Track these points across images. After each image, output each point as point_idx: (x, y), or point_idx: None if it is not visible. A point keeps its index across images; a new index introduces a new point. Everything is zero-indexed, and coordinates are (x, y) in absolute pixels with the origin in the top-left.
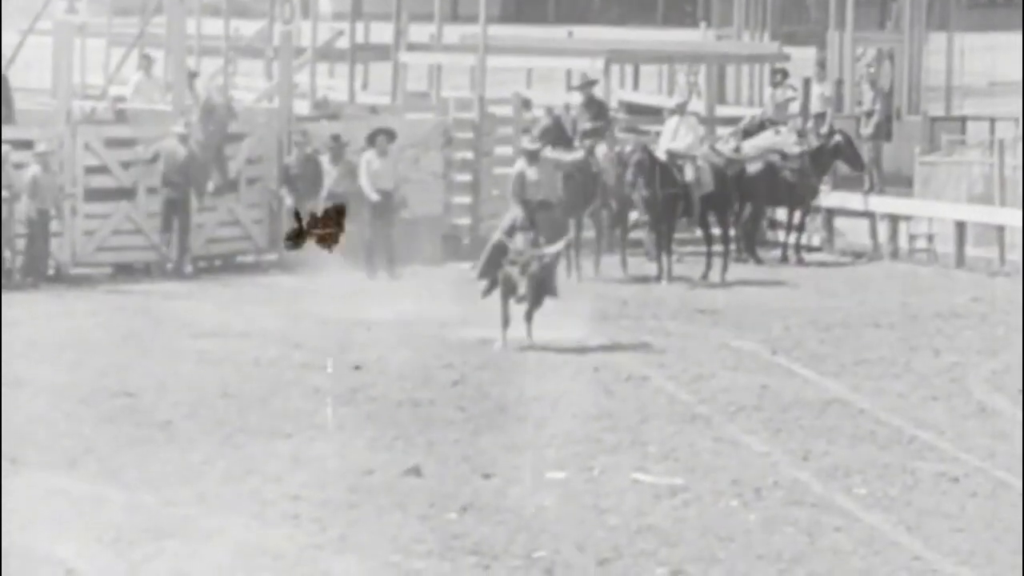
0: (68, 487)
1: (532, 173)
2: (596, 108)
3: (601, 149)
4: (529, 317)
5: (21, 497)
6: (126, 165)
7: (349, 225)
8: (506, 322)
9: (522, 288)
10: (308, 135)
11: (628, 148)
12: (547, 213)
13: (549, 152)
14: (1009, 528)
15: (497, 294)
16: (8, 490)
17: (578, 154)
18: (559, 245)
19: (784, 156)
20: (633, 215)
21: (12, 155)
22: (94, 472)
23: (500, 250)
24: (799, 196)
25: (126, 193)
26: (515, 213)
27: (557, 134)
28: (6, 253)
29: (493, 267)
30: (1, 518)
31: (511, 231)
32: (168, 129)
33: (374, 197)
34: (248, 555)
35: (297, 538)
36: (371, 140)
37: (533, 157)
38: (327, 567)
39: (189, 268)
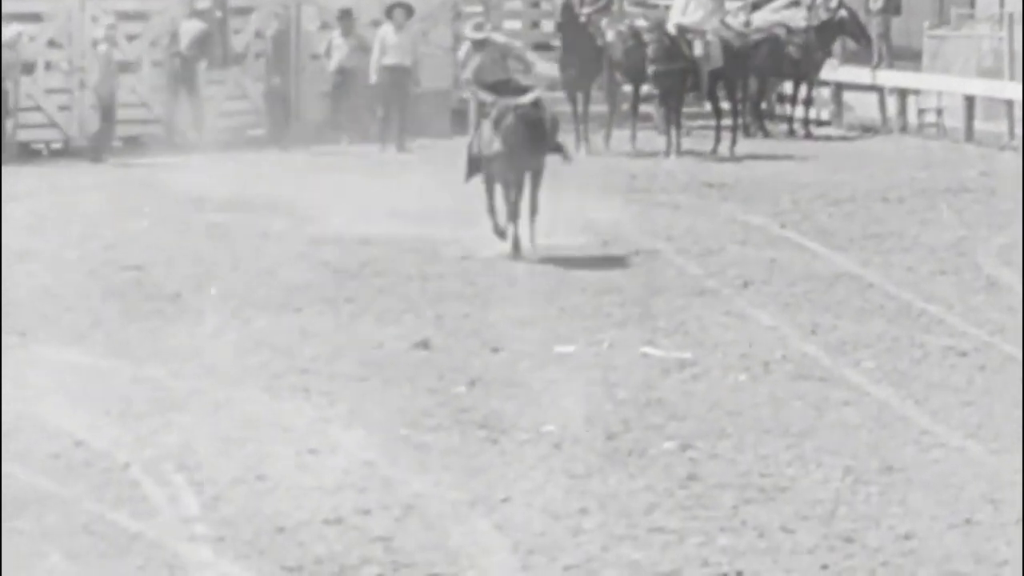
0: (76, 360)
1: (477, 60)
2: None
3: (605, 22)
4: (533, 208)
5: (29, 370)
6: (132, 38)
7: (358, 100)
8: (492, 209)
9: (495, 143)
10: (287, 8)
11: (639, 22)
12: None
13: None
14: (1016, 402)
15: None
16: (16, 363)
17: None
18: (531, 95)
19: (789, 30)
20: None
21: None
22: (102, 346)
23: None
24: (803, 70)
25: (132, 67)
26: (479, 96)
27: (568, 17)
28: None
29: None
30: (1, 391)
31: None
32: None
33: (372, 78)
34: (257, 428)
35: (306, 411)
36: (388, 14)
37: (479, 45)
38: (336, 440)
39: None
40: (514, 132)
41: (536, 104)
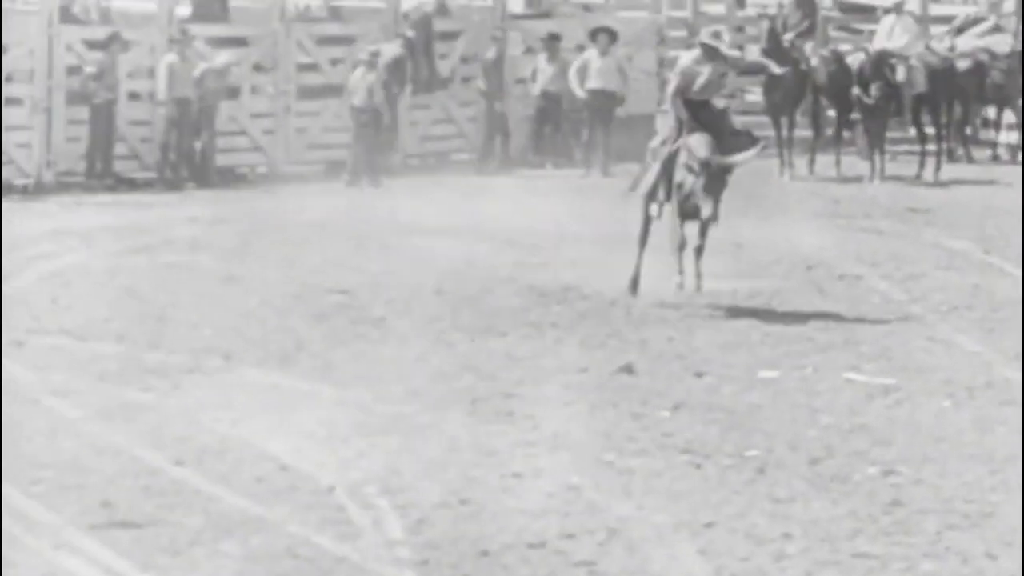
0: (281, 383)
1: (704, 72)
2: (807, 7)
3: (809, 47)
4: (699, 250)
5: (235, 393)
6: (336, 62)
7: (563, 124)
8: (682, 245)
9: (705, 206)
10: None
11: (843, 47)
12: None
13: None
14: None
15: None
16: (222, 386)
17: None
18: (750, 153)
19: (993, 55)
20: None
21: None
22: (307, 369)
23: (671, 160)
24: (1007, 95)
25: (336, 90)
26: (670, 121)
27: (774, 42)
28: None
29: (663, 183)
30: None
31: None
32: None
33: (579, 93)
34: (461, 451)
35: (510, 435)
36: (592, 38)
37: (709, 54)
38: (540, 464)
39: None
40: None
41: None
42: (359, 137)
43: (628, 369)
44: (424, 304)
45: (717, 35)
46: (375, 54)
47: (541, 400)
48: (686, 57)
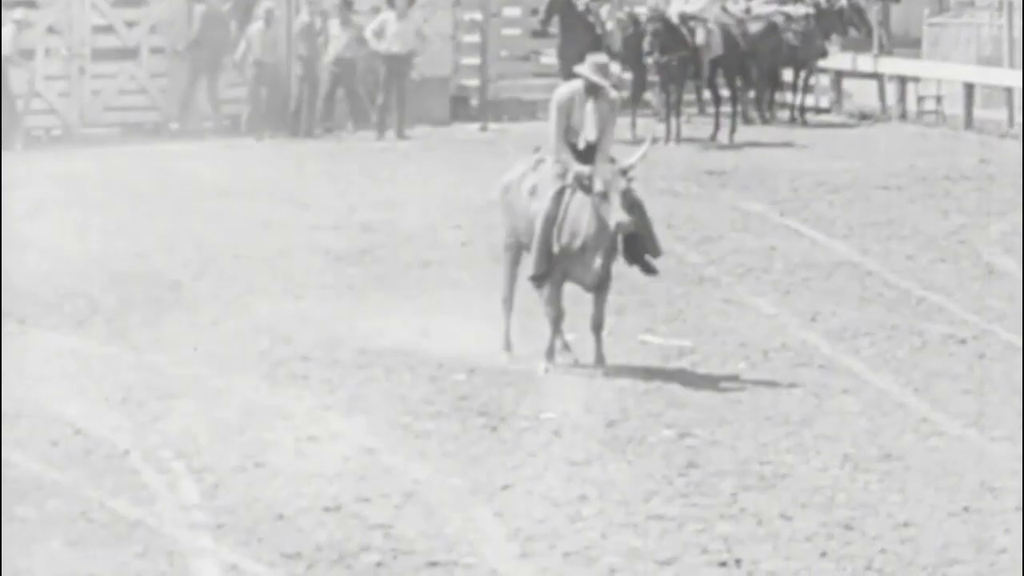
0: (77, 347)
1: (590, 111)
2: None
3: (605, 11)
4: (597, 325)
5: (30, 357)
6: (131, 24)
7: (357, 88)
8: (558, 320)
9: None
10: None
11: (639, 10)
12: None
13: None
14: (1016, 390)
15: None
16: (16, 350)
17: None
18: (639, 152)
19: (788, 17)
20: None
21: (15, 13)
22: (103, 333)
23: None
24: (803, 58)
25: (131, 53)
26: (556, 160)
27: (566, 4)
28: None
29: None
30: (1, 378)
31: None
32: None
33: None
34: (257, 415)
35: (306, 399)
36: (389, 2)
37: (592, 91)
38: (337, 428)
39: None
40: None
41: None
42: (257, 91)
43: (424, 332)
44: (220, 267)
45: (602, 68)
46: (270, 11)
47: (337, 363)
48: (564, 90)
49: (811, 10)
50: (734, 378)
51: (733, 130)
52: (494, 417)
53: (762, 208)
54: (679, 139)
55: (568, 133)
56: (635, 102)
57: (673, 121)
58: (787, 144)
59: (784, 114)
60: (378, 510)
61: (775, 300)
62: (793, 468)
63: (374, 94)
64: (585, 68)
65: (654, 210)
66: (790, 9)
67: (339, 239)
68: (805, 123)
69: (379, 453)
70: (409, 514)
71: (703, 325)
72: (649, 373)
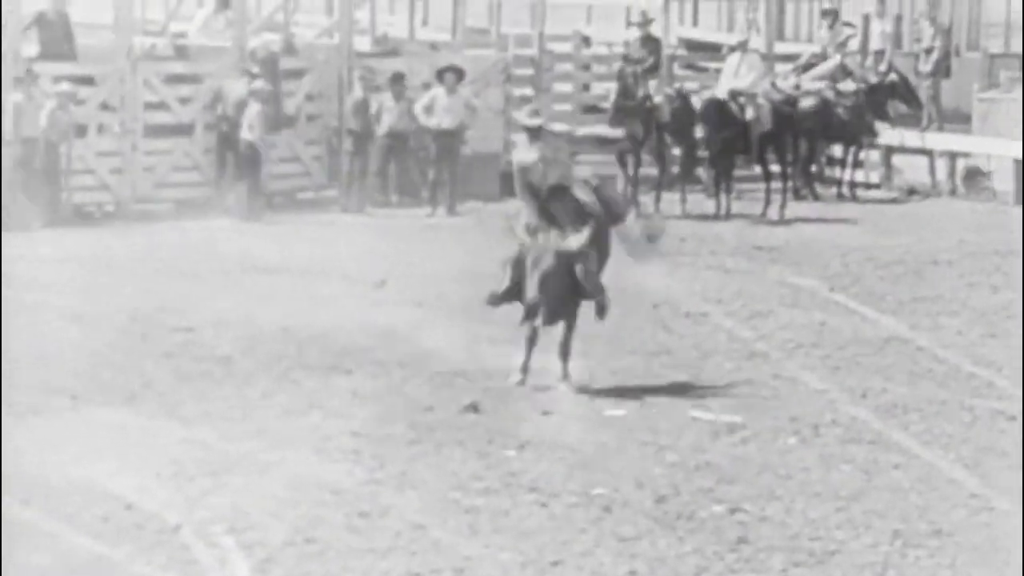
0: (127, 422)
1: (533, 154)
2: (652, 45)
3: (653, 85)
4: (564, 352)
5: (82, 432)
6: (184, 101)
7: (409, 162)
8: (531, 343)
9: (530, 291)
10: (374, 72)
11: (688, 85)
12: (567, 201)
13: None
14: None
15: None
16: (67, 425)
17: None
18: (582, 235)
19: (839, 93)
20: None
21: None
22: (153, 407)
23: (519, 263)
24: (852, 133)
25: (184, 129)
26: (525, 214)
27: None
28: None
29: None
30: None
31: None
32: (226, 64)
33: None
34: (307, 490)
35: (356, 474)
36: (439, 77)
37: (534, 135)
38: (387, 503)
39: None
40: (552, 281)
41: (581, 251)
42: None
43: (474, 408)
44: (269, 342)
45: (535, 112)
46: (258, 88)
47: (387, 439)
48: (519, 144)
49: (862, 85)
50: (784, 453)
51: (783, 206)
52: (544, 493)
53: (812, 284)
54: (729, 214)
55: (530, 188)
56: (685, 177)
57: (723, 196)
58: (837, 220)
59: (832, 191)
60: None
61: (825, 375)
62: (843, 544)
63: (425, 170)
64: (520, 114)
65: (705, 285)
66: (840, 85)
67: (391, 314)
68: (855, 198)
69: (429, 528)
70: None
71: (753, 400)
72: (699, 448)
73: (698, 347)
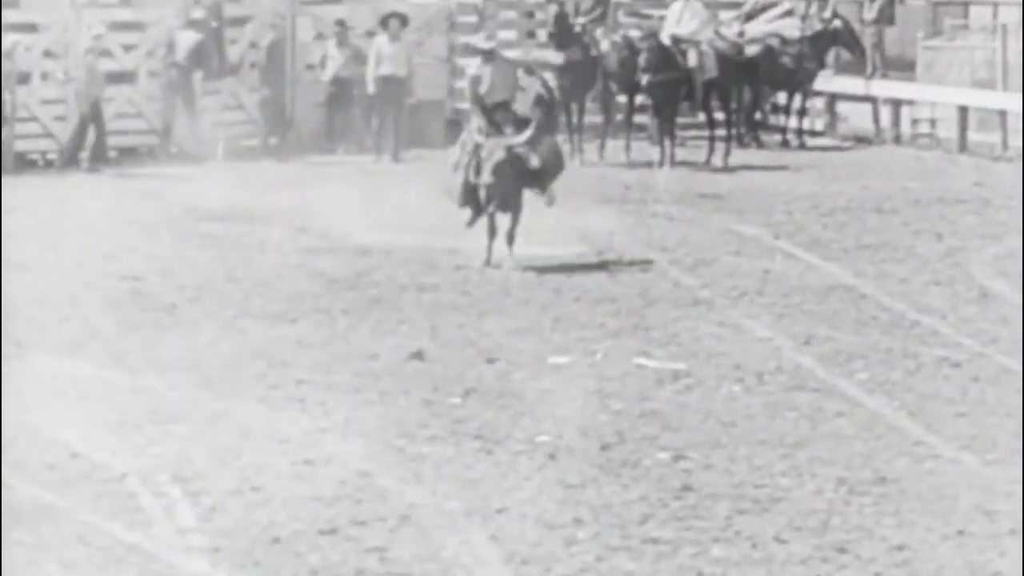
0: (73, 370)
1: (487, 74)
2: None
3: (600, 33)
4: (510, 238)
5: (26, 380)
6: (128, 48)
7: (353, 110)
8: (492, 233)
9: (485, 176)
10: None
11: (633, 33)
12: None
13: (545, 53)
14: (1011, 413)
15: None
16: (12, 374)
17: (557, 58)
18: (525, 134)
19: (783, 40)
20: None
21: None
22: (99, 356)
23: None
24: (798, 81)
25: (128, 77)
26: (475, 122)
27: (563, 27)
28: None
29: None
30: (1, 401)
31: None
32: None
33: (370, 88)
34: (253, 438)
35: (302, 422)
36: (383, 24)
37: (488, 57)
38: (332, 451)
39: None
40: (504, 168)
41: (529, 143)
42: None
43: (419, 355)
44: (215, 291)
45: (490, 37)
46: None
47: (332, 387)
48: (472, 64)
49: (806, 33)
50: (729, 401)
51: (728, 153)
52: (489, 440)
53: (756, 231)
54: (673, 162)
55: (477, 99)
56: (628, 125)
57: (667, 144)
58: (781, 167)
59: (777, 138)
60: (374, 533)
61: (769, 323)
62: (788, 491)
63: (369, 116)
64: (475, 38)
65: (649, 233)
66: (783, 32)
67: (335, 262)
68: (803, 146)
69: (375, 476)
70: (404, 537)
71: (698, 348)
72: (644, 396)
73: (643, 295)
